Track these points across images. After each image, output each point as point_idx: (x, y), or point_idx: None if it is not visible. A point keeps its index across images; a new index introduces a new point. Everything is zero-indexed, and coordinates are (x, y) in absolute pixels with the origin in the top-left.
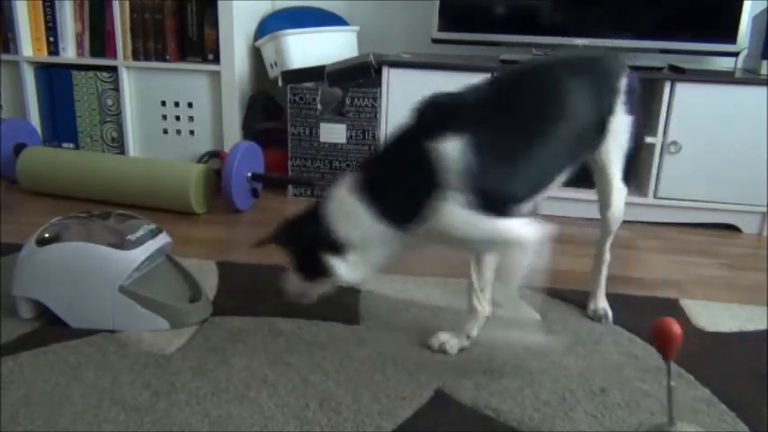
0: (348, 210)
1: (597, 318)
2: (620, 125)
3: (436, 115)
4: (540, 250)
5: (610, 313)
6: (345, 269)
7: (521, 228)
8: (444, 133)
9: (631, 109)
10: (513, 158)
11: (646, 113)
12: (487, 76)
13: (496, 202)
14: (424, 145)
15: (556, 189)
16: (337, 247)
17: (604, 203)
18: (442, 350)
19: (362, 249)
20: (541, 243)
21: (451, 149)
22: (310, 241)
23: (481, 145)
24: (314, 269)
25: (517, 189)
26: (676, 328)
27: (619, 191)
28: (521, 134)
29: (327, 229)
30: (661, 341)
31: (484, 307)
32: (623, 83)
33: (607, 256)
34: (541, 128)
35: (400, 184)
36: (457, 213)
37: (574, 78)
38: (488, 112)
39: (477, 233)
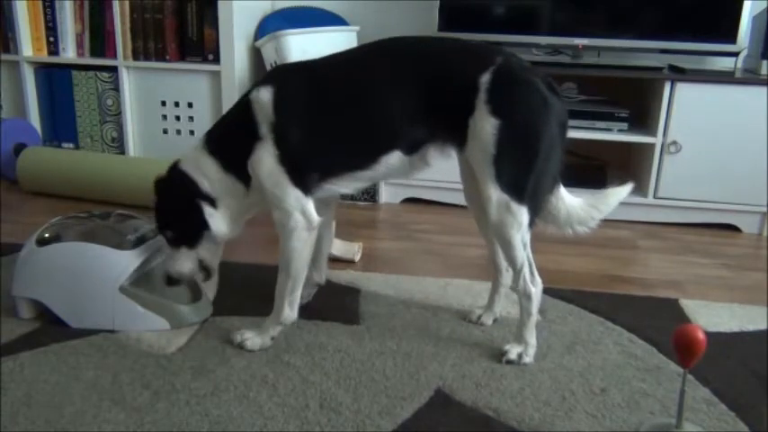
0: (202, 165)
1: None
2: (482, 126)
3: (272, 72)
4: (308, 240)
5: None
6: (217, 220)
7: (299, 206)
8: (264, 84)
9: (499, 111)
10: (325, 128)
11: (523, 121)
12: None
13: (299, 164)
14: (247, 95)
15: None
16: (205, 199)
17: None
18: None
19: (222, 202)
20: (306, 233)
21: (262, 97)
22: (181, 197)
23: (295, 103)
24: (189, 227)
25: (321, 157)
26: (701, 336)
27: (489, 199)
28: (338, 109)
29: (193, 183)
30: (684, 347)
31: (321, 276)
32: (485, 80)
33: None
34: (359, 109)
35: (232, 133)
36: (264, 161)
37: (412, 66)
38: (318, 78)
39: (276, 190)
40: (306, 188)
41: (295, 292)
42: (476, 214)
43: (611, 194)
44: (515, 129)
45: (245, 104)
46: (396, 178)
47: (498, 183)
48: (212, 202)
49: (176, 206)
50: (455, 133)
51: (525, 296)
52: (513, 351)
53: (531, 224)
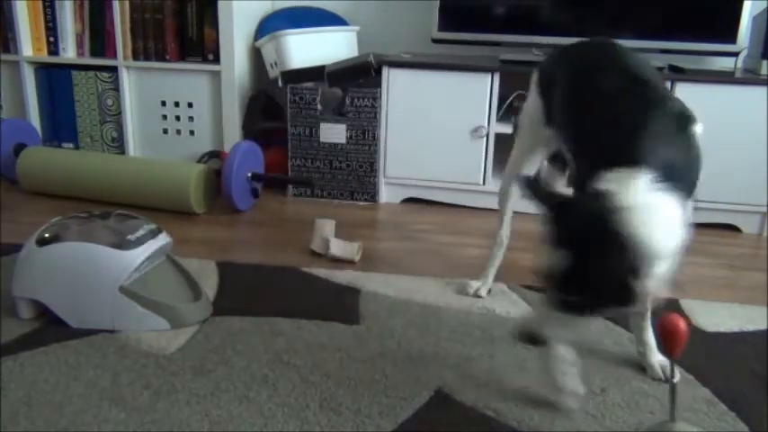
0: (660, 211)
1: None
2: None
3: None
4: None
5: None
6: (655, 285)
7: None
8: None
9: None
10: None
11: None
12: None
13: None
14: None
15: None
16: (648, 264)
17: None
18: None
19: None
20: None
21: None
22: (623, 273)
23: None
24: (608, 297)
25: None
26: (683, 325)
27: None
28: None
29: (638, 248)
30: (667, 338)
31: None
32: None
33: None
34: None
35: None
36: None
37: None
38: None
39: None
40: None
41: None
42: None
43: None
44: None
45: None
46: None
47: None
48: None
49: None
50: None
51: None
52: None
53: None
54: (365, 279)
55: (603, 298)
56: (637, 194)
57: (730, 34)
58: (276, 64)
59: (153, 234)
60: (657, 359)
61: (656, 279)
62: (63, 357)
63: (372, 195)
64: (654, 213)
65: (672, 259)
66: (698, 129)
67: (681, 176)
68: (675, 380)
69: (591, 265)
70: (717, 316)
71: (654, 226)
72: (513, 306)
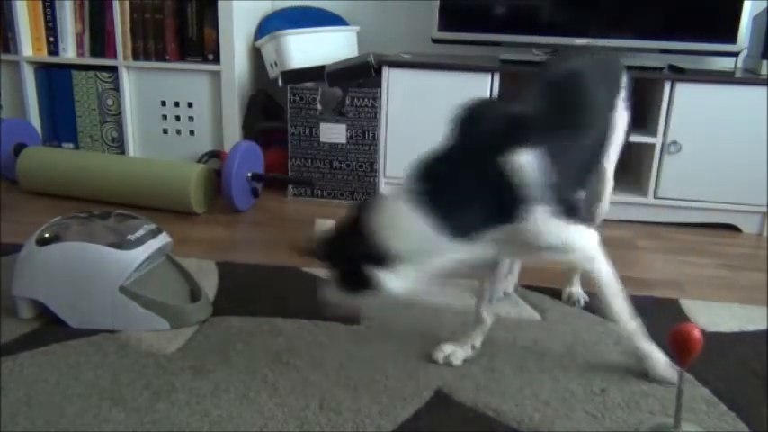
0: (404, 222)
1: (571, 303)
2: (621, 121)
3: (496, 127)
4: (601, 257)
5: (582, 299)
6: (395, 282)
7: (586, 237)
8: (516, 147)
9: (629, 105)
10: (571, 167)
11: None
12: (488, 76)
13: (571, 211)
14: (498, 159)
15: None
16: (386, 260)
17: (595, 197)
18: (448, 363)
19: (415, 262)
20: (598, 249)
21: (528, 163)
22: (359, 256)
23: (549, 155)
24: (359, 282)
25: (577, 196)
26: (698, 334)
27: (610, 185)
28: (572, 142)
29: (377, 242)
30: (681, 347)
31: (489, 316)
32: (625, 81)
33: None
34: (583, 135)
35: (472, 197)
36: (547, 221)
37: (599, 82)
38: (544, 122)
39: (559, 241)
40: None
41: (627, 311)
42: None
43: None
44: (630, 117)
45: (493, 166)
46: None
47: (612, 169)
48: (391, 263)
49: None
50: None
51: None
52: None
53: None
54: None
55: (356, 285)
56: (392, 210)
57: (730, 34)
58: (276, 64)
59: (153, 234)
60: (576, 290)
61: (402, 277)
62: (63, 357)
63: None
64: (399, 221)
65: (425, 266)
66: (520, 160)
67: (457, 204)
68: (669, 374)
69: (339, 248)
70: (717, 316)
71: (398, 231)
72: (513, 306)
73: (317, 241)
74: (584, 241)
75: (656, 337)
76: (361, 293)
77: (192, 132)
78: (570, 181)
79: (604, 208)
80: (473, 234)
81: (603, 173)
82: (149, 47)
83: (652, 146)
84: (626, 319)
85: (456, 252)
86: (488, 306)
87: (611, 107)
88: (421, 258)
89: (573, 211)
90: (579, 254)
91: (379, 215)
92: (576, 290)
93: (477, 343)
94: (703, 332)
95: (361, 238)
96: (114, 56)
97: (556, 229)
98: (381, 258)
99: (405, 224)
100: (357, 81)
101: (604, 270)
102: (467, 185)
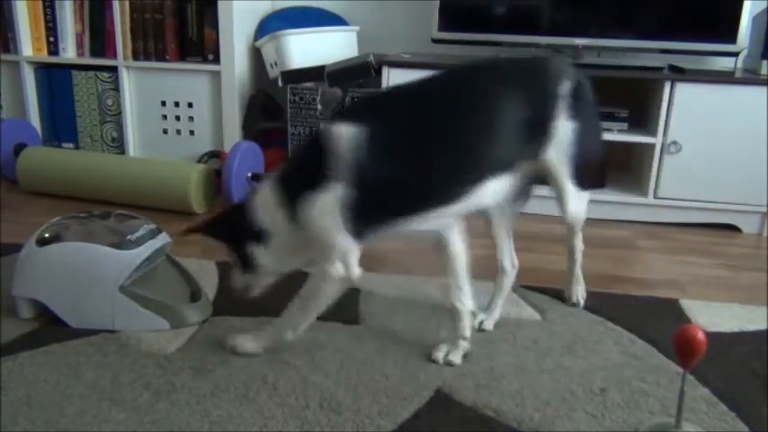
0: (266, 200)
1: (571, 303)
2: (562, 130)
3: (347, 107)
4: (337, 290)
5: (582, 300)
6: (265, 257)
7: (343, 256)
8: (342, 121)
9: (576, 115)
10: (416, 164)
11: (591, 120)
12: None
13: (367, 210)
14: (322, 132)
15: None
16: (259, 237)
17: (562, 207)
18: (449, 363)
19: (279, 239)
20: (341, 285)
21: (342, 136)
22: (236, 231)
23: (378, 140)
24: (243, 259)
25: (410, 196)
26: (702, 336)
27: (571, 194)
28: (430, 140)
29: (250, 220)
30: (685, 348)
31: (466, 303)
32: (565, 87)
33: (579, 246)
34: (457, 136)
35: (300, 173)
36: (322, 206)
37: (503, 84)
38: (401, 111)
39: (324, 234)
40: (358, 234)
41: (305, 323)
42: (489, 216)
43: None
44: (585, 128)
45: (320, 137)
46: (483, 207)
47: (573, 178)
48: (262, 237)
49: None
50: (536, 145)
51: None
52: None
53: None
54: (365, 279)
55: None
56: (262, 192)
57: (730, 34)
58: (276, 64)
59: (153, 234)
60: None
61: (271, 252)
62: (63, 357)
63: None
64: (262, 201)
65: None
66: (336, 131)
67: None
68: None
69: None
70: (717, 316)
71: (264, 211)
72: (513, 306)
73: (204, 221)
74: (336, 248)
75: (656, 337)
76: (247, 270)
77: (191, 132)
78: (402, 177)
79: (572, 215)
80: (298, 202)
81: (558, 183)
82: (149, 47)
83: (652, 146)
84: (286, 331)
85: (297, 231)
86: (459, 293)
87: (535, 114)
88: (281, 236)
89: (379, 206)
90: (321, 255)
91: (253, 197)
92: (576, 292)
93: (467, 333)
94: (704, 332)
95: (239, 217)
96: (114, 56)
97: (324, 218)
98: (256, 235)
99: (268, 203)
100: (357, 81)
101: (321, 289)
102: (303, 160)
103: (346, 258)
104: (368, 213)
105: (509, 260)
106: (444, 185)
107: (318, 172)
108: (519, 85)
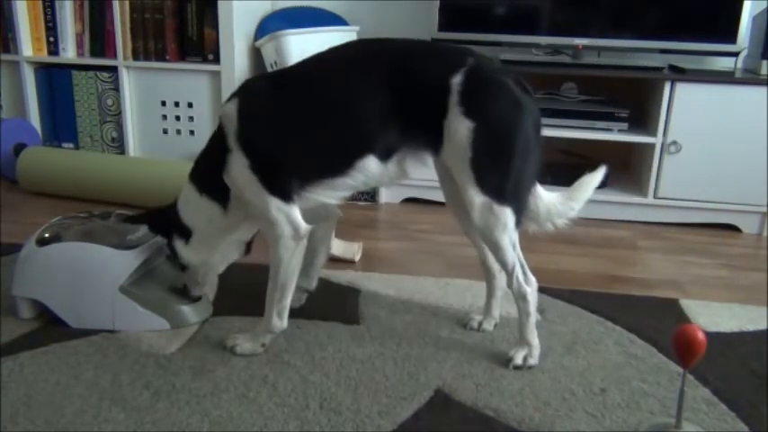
0: (186, 195)
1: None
2: (456, 128)
3: (240, 85)
4: (295, 249)
5: (530, 362)
6: (187, 251)
7: (282, 214)
8: (230, 98)
9: (472, 112)
10: (294, 133)
11: (497, 122)
12: None
13: (272, 172)
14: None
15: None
16: (182, 232)
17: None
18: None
19: (199, 231)
20: (292, 242)
21: (227, 108)
22: (163, 227)
23: (261, 109)
24: (174, 256)
25: (294, 164)
26: (702, 336)
27: (474, 206)
28: (307, 113)
29: (174, 216)
30: (685, 348)
31: (310, 283)
32: (457, 81)
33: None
34: (333, 109)
35: (208, 154)
36: (237, 171)
37: (383, 67)
38: (286, 84)
39: (255, 199)
40: (285, 196)
41: (283, 300)
42: (459, 218)
43: (584, 183)
44: (490, 130)
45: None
46: (377, 185)
47: (478, 186)
48: (185, 233)
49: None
50: (428, 137)
51: (521, 297)
52: (518, 356)
53: (518, 224)
54: (365, 279)
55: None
56: (186, 190)
57: (730, 34)
58: (276, 64)
59: (153, 234)
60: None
61: (195, 247)
62: (63, 357)
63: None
64: (183, 197)
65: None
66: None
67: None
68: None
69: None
70: (717, 316)
71: (181, 204)
72: (513, 306)
73: (141, 213)
74: (271, 209)
75: (656, 337)
76: (178, 267)
77: (191, 132)
78: (286, 146)
79: (476, 224)
80: (217, 191)
81: (460, 187)
82: (149, 47)
83: (652, 146)
84: (272, 314)
85: (221, 216)
86: (490, 256)
87: (418, 106)
88: (202, 227)
89: (274, 174)
90: (265, 222)
91: (181, 195)
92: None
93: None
94: (704, 332)
95: (168, 213)
96: (114, 56)
97: (248, 179)
98: (180, 230)
99: (187, 197)
100: None
101: (277, 254)
102: (210, 145)
103: (287, 216)
104: (275, 175)
105: (491, 260)
106: (324, 155)
107: (222, 148)
108: (399, 69)
